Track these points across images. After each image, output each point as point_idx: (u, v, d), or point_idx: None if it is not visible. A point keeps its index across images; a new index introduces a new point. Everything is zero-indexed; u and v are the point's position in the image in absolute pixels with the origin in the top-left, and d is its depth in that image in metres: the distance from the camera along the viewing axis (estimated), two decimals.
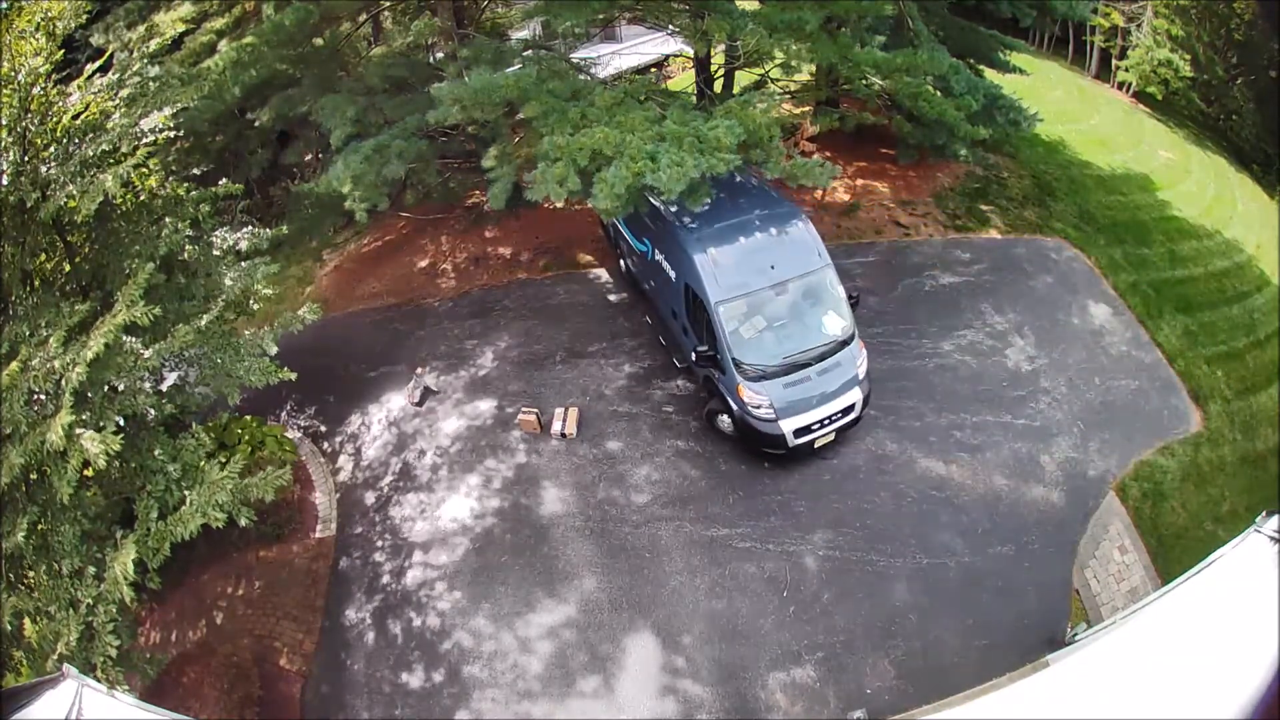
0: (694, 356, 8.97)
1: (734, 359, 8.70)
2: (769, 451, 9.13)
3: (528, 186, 8.50)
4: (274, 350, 7.89)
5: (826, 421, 8.89)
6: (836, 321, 9.03)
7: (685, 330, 9.68)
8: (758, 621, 7.95)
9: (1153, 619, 4.77)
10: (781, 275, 8.91)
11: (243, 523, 6.71)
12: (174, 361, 7.49)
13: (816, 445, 9.09)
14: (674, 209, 9.63)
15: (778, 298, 8.91)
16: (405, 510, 9.53)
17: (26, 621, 6.71)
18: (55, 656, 6.13)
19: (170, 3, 12.05)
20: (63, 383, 6.23)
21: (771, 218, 9.33)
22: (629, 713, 7.41)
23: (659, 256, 10.08)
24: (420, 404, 10.74)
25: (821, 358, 8.85)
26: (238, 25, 12.48)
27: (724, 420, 9.33)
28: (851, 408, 8.98)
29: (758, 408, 8.71)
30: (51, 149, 7.41)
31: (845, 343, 9.00)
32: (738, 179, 10.13)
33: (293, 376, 7.68)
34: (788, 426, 8.75)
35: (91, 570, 6.51)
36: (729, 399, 9.00)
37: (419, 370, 10.97)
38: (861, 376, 9.07)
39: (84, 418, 6.41)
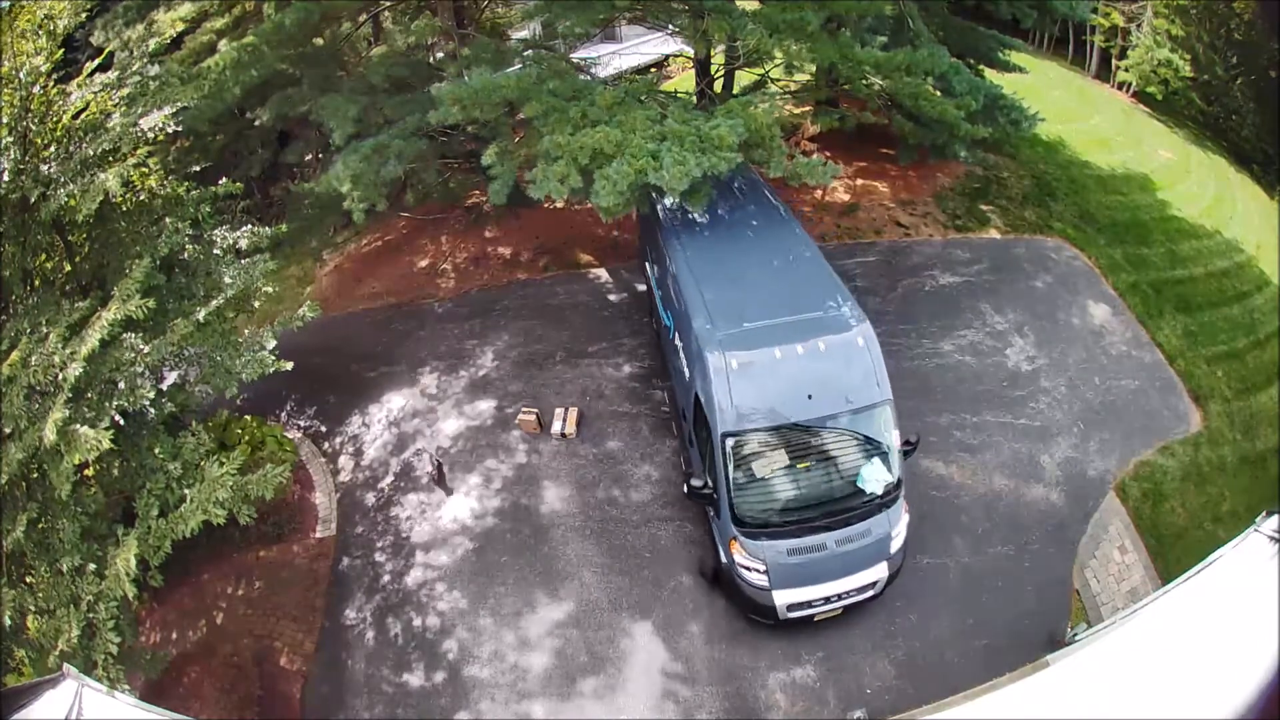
0: (686, 490, 7.17)
1: (732, 508, 6.92)
2: (752, 617, 7.58)
3: (528, 185, 8.50)
4: (272, 344, 7.91)
5: (835, 599, 7.15)
6: (880, 475, 6.96)
7: (691, 442, 8.02)
8: (758, 621, 7.94)
9: (1153, 619, 4.76)
10: (821, 409, 6.87)
11: (243, 520, 6.73)
12: (174, 360, 7.50)
13: (817, 620, 7.43)
14: (706, 293, 7.64)
15: (810, 437, 6.95)
16: (405, 510, 9.52)
17: (29, 619, 6.71)
18: (56, 653, 6.13)
19: (170, 2, 12.05)
20: (60, 379, 6.24)
21: (825, 324, 7.20)
22: (629, 712, 7.40)
23: (678, 342, 8.34)
24: (440, 481, 9.33)
25: (848, 520, 6.92)
26: (238, 25, 12.49)
27: (705, 564, 7.88)
28: (873, 584, 7.20)
29: (748, 570, 7.05)
30: (52, 148, 7.41)
31: (886, 504, 7.03)
32: (796, 256, 8.21)
33: (288, 366, 7.73)
34: (782, 599, 7.05)
35: (92, 567, 6.52)
36: (719, 546, 7.38)
37: (423, 451, 9.12)
38: (896, 549, 7.20)
39: (83, 413, 6.42)
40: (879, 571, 7.16)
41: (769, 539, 6.93)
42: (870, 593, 7.29)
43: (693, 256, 8.34)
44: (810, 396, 6.86)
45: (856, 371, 7.03)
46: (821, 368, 6.93)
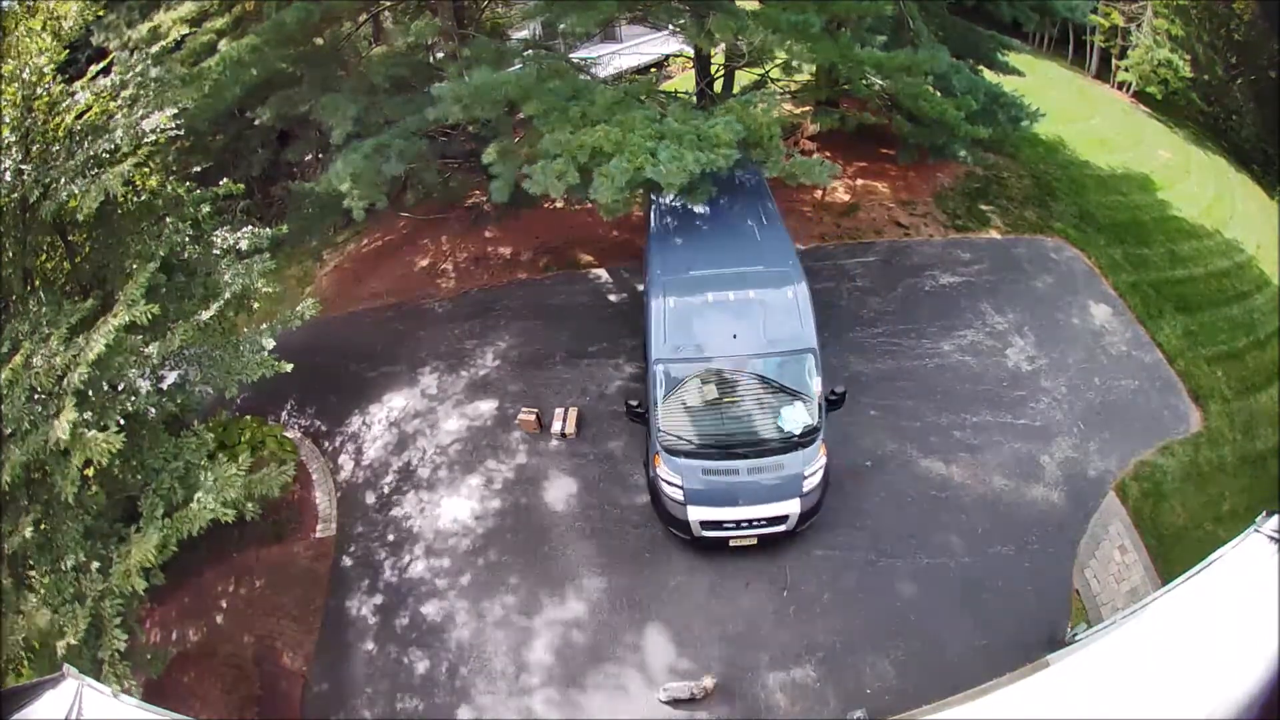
0: (626, 410, 8.29)
1: (659, 426, 7.86)
2: (672, 531, 8.42)
3: (526, 181, 8.50)
4: (271, 345, 7.91)
5: (745, 524, 7.90)
6: (799, 417, 7.79)
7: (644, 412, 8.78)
8: (758, 621, 7.95)
9: (1153, 619, 4.76)
10: (744, 349, 7.85)
11: (250, 516, 6.80)
12: (174, 360, 7.51)
13: (733, 544, 8.18)
14: (666, 252, 8.91)
15: (737, 375, 7.89)
16: (406, 510, 9.53)
17: (30, 618, 6.70)
18: (61, 651, 6.12)
19: (170, 1, 12.04)
20: (65, 382, 6.24)
21: (763, 277, 8.33)
22: (629, 712, 7.41)
23: (645, 293, 9.47)
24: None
25: (760, 454, 7.77)
26: (238, 25, 12.47)
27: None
28: (783, 518, 7.90)
29: (668, 484, 7.94)
30: (55, 148, 7.42)
31: (802, 444, 7.81)
32: (757, 223, 9.31)
33: (288, 368, 7.73)
34: (695, 515, 7.88)
35: (95, 565, 6.52)
36: (648, 461, 8.35)
37: None
38: (809, 488, 7.86)
39: (86, 416, 6.42)
40: (790, 506, 7.81)
41: (687, 458, 7.80)
42: (781, 526, 7.93)
43: (666, 228, 9.47)
44: (735, 336, 7.85)
45: (783, 320, 7.94)
46: (750, 313, 7.96)
